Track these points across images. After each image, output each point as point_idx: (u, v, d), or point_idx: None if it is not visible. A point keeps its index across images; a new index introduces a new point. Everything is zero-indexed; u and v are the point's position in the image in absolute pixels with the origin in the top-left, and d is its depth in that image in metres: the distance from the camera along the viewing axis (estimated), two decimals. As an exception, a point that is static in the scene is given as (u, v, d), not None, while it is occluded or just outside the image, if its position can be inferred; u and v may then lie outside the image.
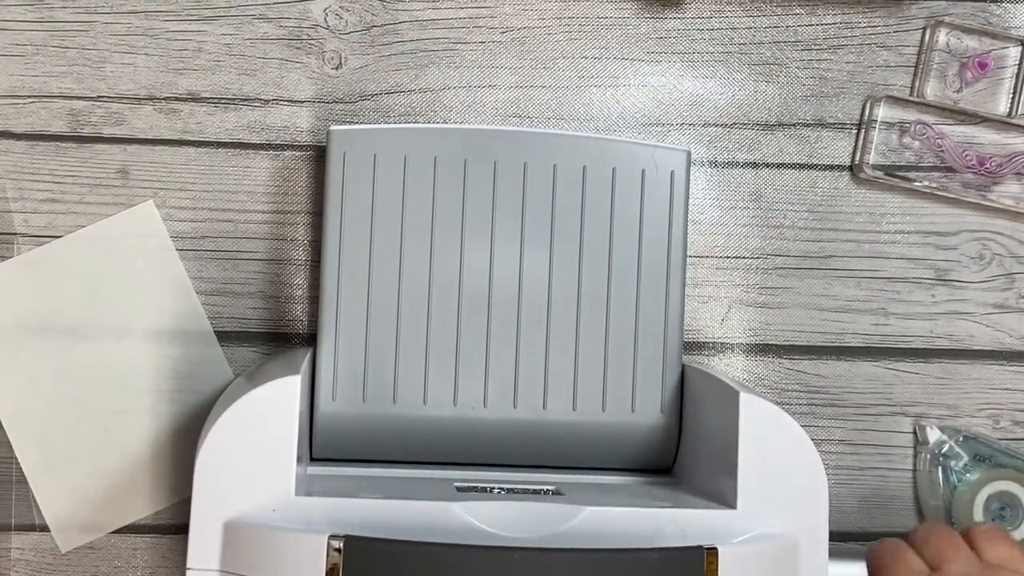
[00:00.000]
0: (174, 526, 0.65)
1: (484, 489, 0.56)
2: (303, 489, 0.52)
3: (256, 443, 0.50)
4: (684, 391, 0.62)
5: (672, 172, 0.62)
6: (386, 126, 0.64)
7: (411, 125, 0.65)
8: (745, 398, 0.53)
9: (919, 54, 0.68)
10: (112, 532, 0.65)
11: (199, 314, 0.66)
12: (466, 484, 0.57)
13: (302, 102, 0.67)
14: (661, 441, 0.62)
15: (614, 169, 0.62)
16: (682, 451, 0.62)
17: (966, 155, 0.68)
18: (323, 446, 0.61)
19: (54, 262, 0.65)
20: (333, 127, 0.61)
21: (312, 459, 0.61)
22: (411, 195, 0.61)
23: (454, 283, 0.61)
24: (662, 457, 0.62)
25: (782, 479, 0.52)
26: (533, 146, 0.62)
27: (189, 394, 0.66)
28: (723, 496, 0.54)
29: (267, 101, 0.67)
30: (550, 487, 0.58)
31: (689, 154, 0.63)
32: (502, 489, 0.57)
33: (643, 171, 0.62)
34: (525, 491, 0.57)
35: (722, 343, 0.67)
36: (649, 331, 0.62)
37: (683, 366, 0.62)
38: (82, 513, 0.65)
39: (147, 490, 0.65)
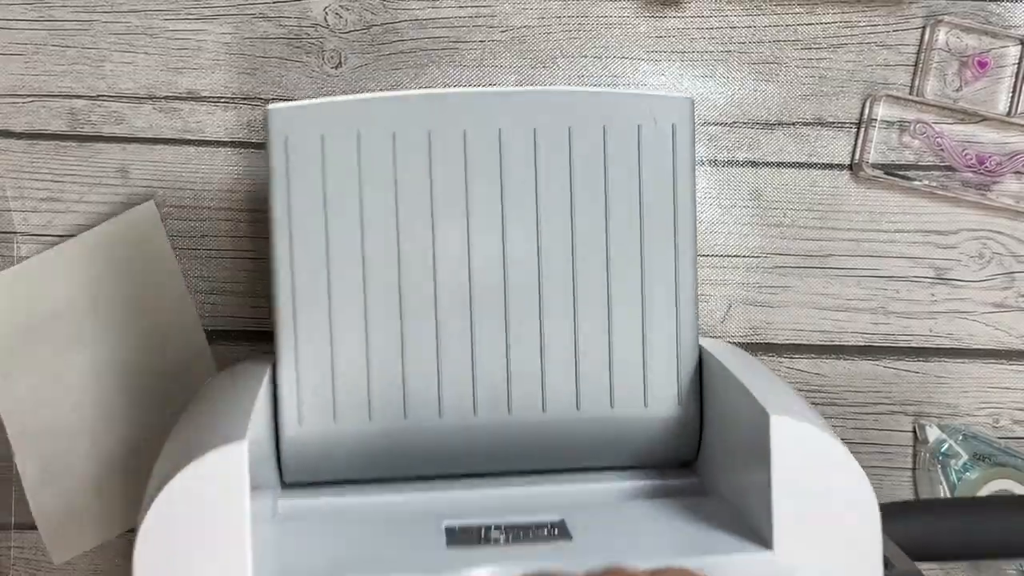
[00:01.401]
0: (174, 525, 0.65)
1: (480, 535, 0.49)
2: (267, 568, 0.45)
3: (201, 526, 0.42)
4: (703, 377, 0.55)
5: (673, 125, 0.55)
6: (332, 99, 0.55)
7: (361, 96, 0.55)
8: (778, 422, 0.45)
9: (919, 53, 0.68)
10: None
11: (195, 319, 0.66)
12: (458, 525, 0.49)
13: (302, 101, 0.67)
14: (680, 435, 0.55)
15: (605, 128, 0.54)
16: (705, 442, 0.55)
17: (966, 154, 0.68)
18: (294, 472, 0.54)
19: (55, 265, 0.65)
20: (271, 106, 0.53)
21: (285, 485, 0.55)
22: (369, 178, 0.53)
23: (428, 275, 0.54)
24: (683, 452, 0.56)
25: (826, 515, 0.45)
26: (507, 109, 0.54)
27: (186, 398, 0.65)
28: (757, 525, 0.47)
29: (267, 100, 0.67)
30: (554, 522, 0.50)
31: (692, 102, 0.55)
32: (499, 532, 0.49)
33: (639, 127, 0.54)
34: (527, 532, 0.49)
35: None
36: (658, 312, 0.54)
37: (701, 349, 0.55)
38: (76, 525, 0.65)
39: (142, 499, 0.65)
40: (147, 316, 0.65)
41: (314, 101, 0.54)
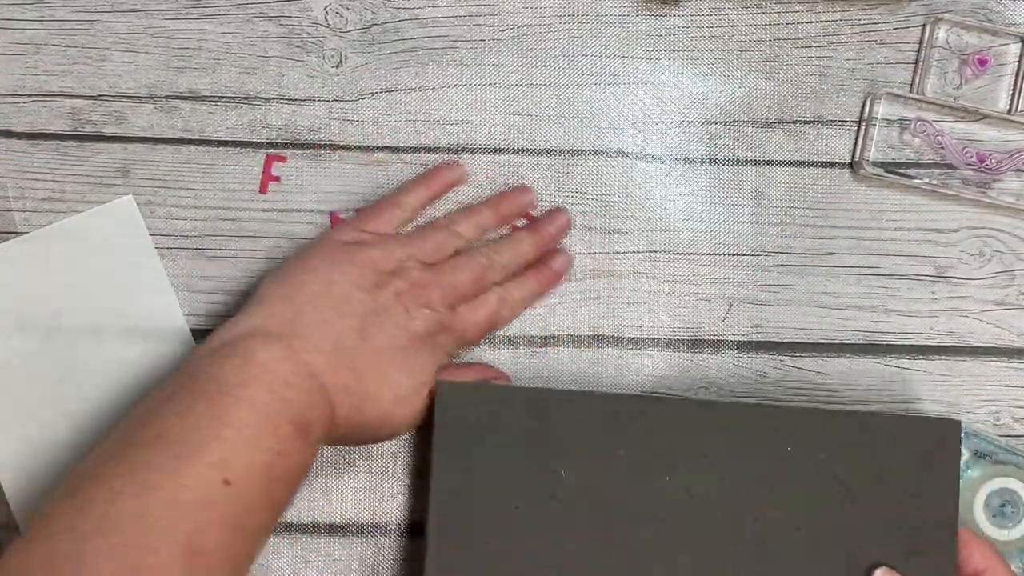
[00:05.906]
0: (176, 524, 0.65)
1: None
2: None
3: None
4: None
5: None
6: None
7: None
8: None
9: (919, 51, 0.68)
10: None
11: (175, 311, 0.66)
12: None
13: (303, 100, 0.67)
14: None
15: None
16: None
17: (966, 152, 0.68)
18: None
19: (29, 256, 0.65)
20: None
21: None
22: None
23: None
24: None
25: None
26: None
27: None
28: None
29: (268, 100, 0.67)
30: None
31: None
32: None
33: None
34: None
35: (723, 340, 0.67)
36: None
37: None
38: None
39: None
40: (127, 310, 0.65)
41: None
